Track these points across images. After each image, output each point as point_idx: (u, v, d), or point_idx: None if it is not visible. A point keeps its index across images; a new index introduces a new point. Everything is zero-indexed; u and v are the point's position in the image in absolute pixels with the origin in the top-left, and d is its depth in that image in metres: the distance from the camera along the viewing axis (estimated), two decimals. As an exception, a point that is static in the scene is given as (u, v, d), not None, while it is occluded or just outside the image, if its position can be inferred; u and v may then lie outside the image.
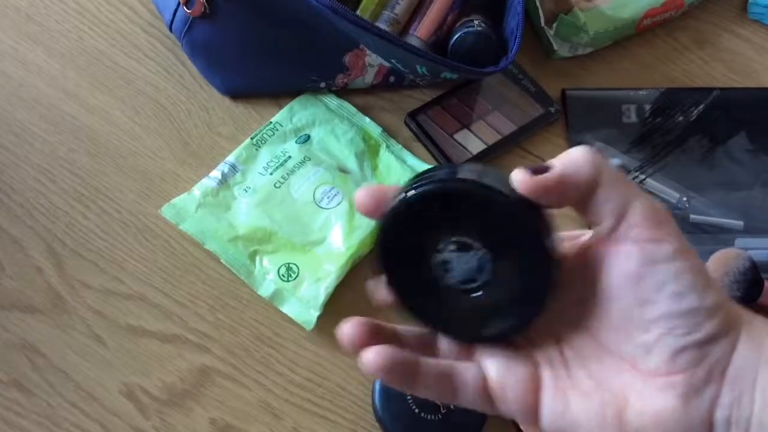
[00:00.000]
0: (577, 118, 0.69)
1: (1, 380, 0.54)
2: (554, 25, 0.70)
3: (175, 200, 0.60)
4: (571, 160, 0.30)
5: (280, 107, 0.67)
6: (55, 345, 0.55)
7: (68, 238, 0.59)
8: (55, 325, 0.56)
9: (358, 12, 0.63)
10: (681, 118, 0.69)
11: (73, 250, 0.58)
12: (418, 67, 0.61)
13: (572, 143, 0.68)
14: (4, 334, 0.55)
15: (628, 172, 0.66)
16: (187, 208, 0.60)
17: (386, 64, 0.64)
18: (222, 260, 0.58)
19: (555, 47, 0.71)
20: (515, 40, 0.59)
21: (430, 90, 0.70)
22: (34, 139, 0.63)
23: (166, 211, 0.59)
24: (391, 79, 0.67)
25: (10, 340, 0.55)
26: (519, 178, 0.30)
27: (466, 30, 0.62)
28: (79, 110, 0.64)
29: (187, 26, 0.63)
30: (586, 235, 0.34)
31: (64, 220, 0.59)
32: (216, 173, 0.62)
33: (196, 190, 0.61)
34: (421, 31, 0.63)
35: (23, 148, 0.62)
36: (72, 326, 0.56)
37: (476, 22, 0.62)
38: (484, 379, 0.32)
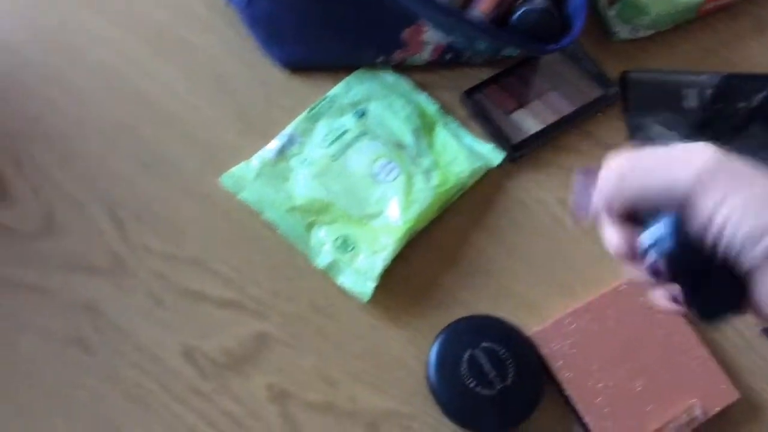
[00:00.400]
0: (637, 101, 0.68)
1: (63, 338, 0.55)
2: (616, 6, 0.70)
3: (234, 169, 0.61)
4: None
5: (337, 81, 0.67)
6: (116, 306, 0.56)
7: (131, 202, 0.60)
8: (117, 286, 0.57)
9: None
10: (743, 104, 0.68)
11: (134, 215, 0.59)
12: (479, 43, 0.61)
13: (631, 126, 0.67)
14: (67, 294, 0.56)
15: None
16: (245, 177, 0.60)
17: (444, 41, 0.64)
18: (279, 230, 0.59)
19: (615, 28, 0.70)
20: (579, 18, 0.58)
21: (486, 68, 0.69)
22: (99, 105, 0.64)
23: (225, 180, 0.60)
24: (448, 56, 0.67)
25: (72, 300, 0.56)
26: None
27: (529, 6, 0.61)
28: (141, 79, 0.65)
29: (249, -2, 0.63)
30: None
31: (127, 185, 0.60)
32: (274, 144, 0.62)
33: (255, 160, 0.61)
34: (483, 6, 0.63)
35: (86, 113, 0.63)
36: (133, 288, 0.57)
37: (540, -1, 0.61)
38: None
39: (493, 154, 0.64)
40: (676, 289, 0.37)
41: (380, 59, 0.66)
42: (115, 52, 0.66)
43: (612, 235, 0.39)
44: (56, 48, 0.66)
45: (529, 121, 0.66)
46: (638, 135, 0.67)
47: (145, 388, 0.54)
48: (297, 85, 0.67)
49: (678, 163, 0.34)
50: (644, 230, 0.37)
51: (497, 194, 0.64)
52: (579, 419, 0.54)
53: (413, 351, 0.57)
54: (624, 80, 0.69)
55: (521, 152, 0.65)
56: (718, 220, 0.32)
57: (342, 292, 0.58)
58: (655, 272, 0.37)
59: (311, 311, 0.57)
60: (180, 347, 0.55)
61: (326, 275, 0.58)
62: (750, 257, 0.32)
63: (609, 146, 0.66)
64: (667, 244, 0.36)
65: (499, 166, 0.64)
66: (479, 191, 0.64)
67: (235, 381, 0.55)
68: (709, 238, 0.33)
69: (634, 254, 0.38)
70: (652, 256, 0.36)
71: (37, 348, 0.54)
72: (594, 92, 0.68)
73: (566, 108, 0.67)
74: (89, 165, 0.61)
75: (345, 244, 0.58)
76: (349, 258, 0.58)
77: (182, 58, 0.66)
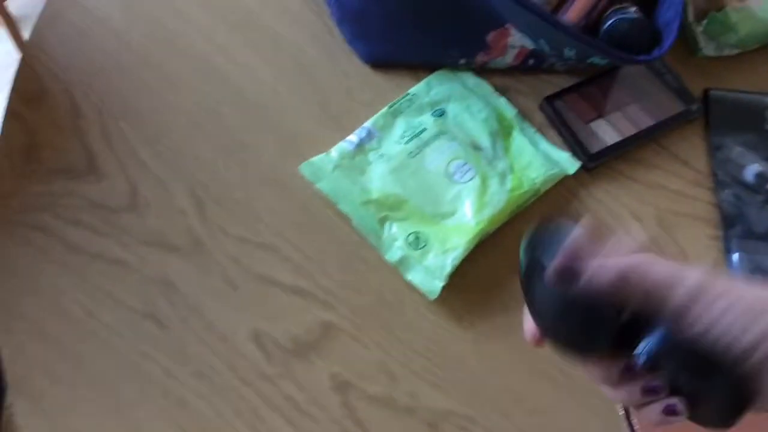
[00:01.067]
0: (718, 120, 0.67)
1: (138, 312, 0.56)
2: (704, 22, 0.69)
3: (314, 159, 0.62)
4: None
5: (418, 80, 0.67)
6: (191, 284, 0.57)
7: (211, 185, 0.61)
8: (193, 265, 0.58)
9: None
10: (827, 129, 0.66)
11: (214, 197, 0.61)
12: (566, 49, 0.60)
13: (712, 145, 0.66)
14: (145, 269, 0.58)
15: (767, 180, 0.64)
16: (324, 167, 0.61)
17: (529, 45, 0.64)
18: (353, 222, 0.60)
19: (701, 45, 0.69)
20: (671, 30, 0.58)
21: (567, 76, 0.69)
22: (187, 88, 0.65)
23: (305, 169, 0.61)
24: (530, 61, 0.67)
25: (149, 276, 0.58)
26: None
27: (621, 15, 0.61)
28: (228, 65, 0.67)
29: (340, -8, 0.64)
30: None
31: (209, 168, 0.62)
32: (353, 137, 0.63)
33: (334, 152, 0.62)
34: (572, 13, 0.63)
35: (174, 95, 0.65)
36: (208, 268, 0.58)
37: (632, 9, 0.61)
38: None
39: (568, 162, 0.64)
40: (674, 401, 0.36)
41: (462, 60, 0.66)
42: (205, 39, 0.68)
43: (594, 369, 0.38)
44: (151, 32, 0.68)
45: (607, 132, 0.66)
46: (718, 154, 0.66)
47: (213, 367, 0.55)
48: (378, 80, 0.68)
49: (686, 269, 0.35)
50: (636, 347, 0.35)
51: (570, 203, 0.64)
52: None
53: (476, 352, 0.57)
54: (706, 98, 0.68)
55: (597, 162, 0.64)
56: (719, 326, 0.33)
57: (410, 288, 0.58)
58: (653, 389, 0.36)
59: (378, 305, 0.58)
60: (249, 330, 0.56)
61: (396, 270, 0.59)
62: (752, 361, 0.32)
63: (686, 163, 0.65)
64: (668, 355, 0.34)
65: (574, 174, 0.64)
66: (552, 198, 0.64)
67: (299, 367, 0.56)
68: (708, 345, 0.33)
69: (624, 377, 0.37)
70: (644, 367, 0.35)
71: (115, 318, 0.56)
72: (675, 107, 0.67)
73: (645, 121, 0.66)
74: (175, 146, 0.63)
75: (416, 241, 0.59)
76: (419, 255, 0.58)
77: (269, 47, 0.68)
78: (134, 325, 0.56)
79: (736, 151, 0.66)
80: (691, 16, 0.69)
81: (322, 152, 0.62)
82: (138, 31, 0.68)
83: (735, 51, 0.70)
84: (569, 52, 0.61)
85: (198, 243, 0.59)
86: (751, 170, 0.65)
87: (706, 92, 0.69)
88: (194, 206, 0.60)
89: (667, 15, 0.60)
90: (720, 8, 0.68)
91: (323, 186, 0.60)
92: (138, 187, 0.61)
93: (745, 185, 0.65)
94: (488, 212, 0.59)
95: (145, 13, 0.68)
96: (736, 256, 0.61)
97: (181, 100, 0.65)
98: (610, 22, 0.62)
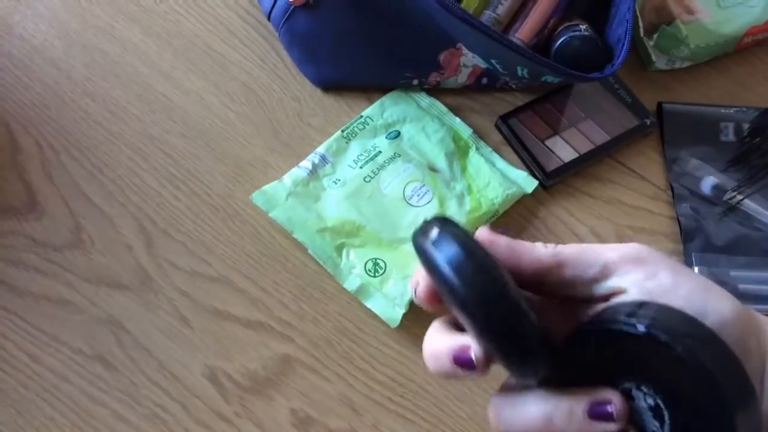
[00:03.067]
0: (673, 133, 0.67)
1: (86, 354, 0.54)
2: (654, 36, 0.69)
3: (266, 187, 0.60)
4: None
5: (371, 102, 0.66)
6: (140, 323, 0.55)
7: (159, 217, 0.59)
8: (142, 302, 0.56)
9: (459, 10, 0.62)
10: (781, 140, 0.67)
11: (162, 230, 0.58)
12: (519, 68, 0.60)
13: (668, 158, 0.66)
14: (92, 309, 0.55)
15: (725, 191, 0.64)
16: (277, 196, 0.59)
17: (482, 65, 0.63)
18: (309, 251, 0.58)
19: (653, 58, 0.69)
20: (622, 47, 0.57)
21: (521, 94, 0.69)
22: (129, 117, 0.63)
23: (257, 198, 0.59)
24: (484, 80, 0.66)
25: (97, 315, 0.55)
26: None
27: (572, 33, 0.61)
28: (173, 92, 0.64)
29: (287, 15, 0.63)
30: None
31: (156, 200, 0.59)
32: (306, 163, 0.61)
33: (287, 179, 0.60)
34: (523, 32, 0.62)
35: (118, 125, 0.63)
36: (158, 305, 0.56)
37: (582, 26, 0.61)
38: None
39: (526, 182, 0.63)
40: None
41: (415, 81, 0.65)
42: (149, 65, 0.65)
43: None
44: (92, 61, 0.65)
45: (563, 149, 0.65)
46: (674, 167, 0.66)
47: (167, 409, 0.53)
48: (330, 103, 0.66)
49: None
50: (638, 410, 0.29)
51: (529, 222, 0.63)
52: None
53: (439, 379, 0.56)
54: (660, 111, 0.68)
55: (554, 180, 0.64)
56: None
57: (370, 316, 0.57)
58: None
59: (338, 335, 0.56)
60: (203, 368, 0.54)
61: (355, 299, 0.57)
62: None
63: (642, 177, 0.65)
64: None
65: (532, 193, 0.63)
66: (511, 218, 0.63)
67: (258, 404, 0.53)
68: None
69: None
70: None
71: (61, 362, 0.53)
72: (629, 122, 0.67)
73: (601, 137, 0.66)
74: (119, 178, 0.60)
75: (375, 268, 0.57)
76: (378, 282, 0.57)
77: (216, 72, 0.66)
78: (82, 368, 0.53)
79: (692, 163, 0.66)
80: (641, 31, 0.69)
81: (274, 179, 0.61)
82: (78, 59, 0.65)
83: (686, 63, 0.71)
84: (522, 71, 0.60)
85: (146, 279, 0.56)
86: (708, 182, 0.65)
87: (659, 106, 0.69)
88: (142, 240, 0.58)
89: (618, 31, 0.59)
90: (670, 22, 0.68)
91: (277, 215, 0.58)
92: (82, 223, 0.58)
93: (703, 197, 0.65)
94: (447, 235, 0.58)
95: (85, 41, 0.66)
96: (696, 270, 0.61)
97: (124, 130, 0.62)
98: (561, 40, 0.61)
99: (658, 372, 0.28)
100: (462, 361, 0.29)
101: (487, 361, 0.29)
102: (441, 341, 0.31)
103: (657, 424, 0.28)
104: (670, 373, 0.27)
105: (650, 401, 0.28)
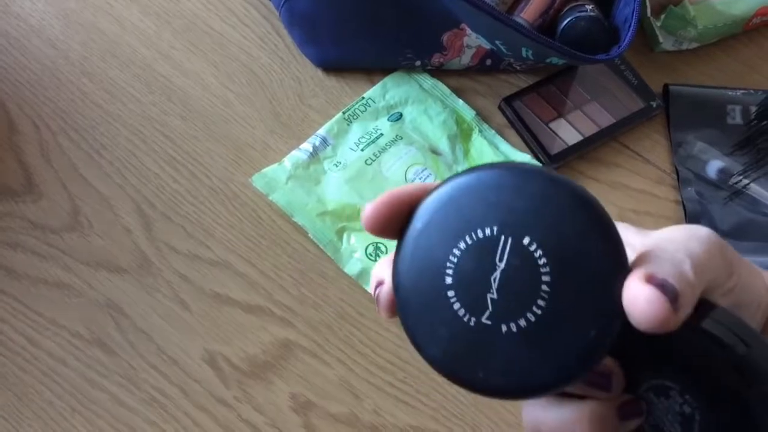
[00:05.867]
0: (679, 116, 0.66)
1: (84, 338, 0.53)
2: (662, 16, 0.68)
3: (266, 170, 0.59)
4: None
5: (373, 83, 0.65)
6: (139, 306, 0.55)
7: (157, 200, 0.58)
8: (141, 286, 0.55)
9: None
10: (789, 123, 0.66)
11: (161, 213, 0.58)
12: (523, 50, 0.59)
13: (673, 141, 0.65)
14: (90, 292, 0.55)
15: (731, 175, 0.63)
16: (277, 178, 0.59)
17: (486, 46, 0.62)
18: (309, 234, 0.57)
19: (660, 39, 0.68)
20: (629, 28, 0.56)
21: (525, 75, 0.67)
22: (127, 98, 0.62)
23: (257, 181, 0.58)
24: (488, 62, 0.65)
25: (95, 299, 0.55)
26: None
27: (578, 14, 0.59)
28: (172, 72, 0.64)
29: (288, -6, 0.62)
30: None
31: (155, 182, 0.59)
32: (307, 145, 0.60)
33: (287, 162, 0.60)
34: (528, 12, 0.61)
35: (116, 106, 0.62)
36: (157, 289, 0.55)
37: (588, 7, 0.59)
38: None
39: (529, 165, 0.62)
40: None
41: (418, 62, 0.64)
42: (147, 45, 0.64)
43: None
44: (90, 41, 0.64)
45: (567, 132, 0.64)
46: (680, 151, 0.65)
47: (166, 393, 0.52)
48: (331, 85, 0.65)
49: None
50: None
51: (532, 206, 0.62)
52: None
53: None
54: (666, 93, 0.67)
55: (559, 163, 0.63)
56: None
57: (371, 301, 0.56)
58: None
59: (338, 319, 0.56)
60: (202, 352, 0.54)
61: (356, 283, 0.56)
62: None
63: (648, 161, 0.64)
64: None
65: (536, 177, 0.62)
66: (514, 202, 0.62)
67: (257, 389, 0.53)
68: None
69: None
70: None
71: (60, 346, 0.53)
72: (635, 104, 0.66)
73: (606, 119, 0.65)
74: (118, 160, 0.59)
75: (376, 252, 0.56)
76: (379, 267, 0.56)
77: (215, 53, 0.65)
78: (80, 352, 0.53)
79: (697, 147, 0.65)
80: (648, 11, 0.68)
81: (274, 162, 0.60)
82: (76, 39, 0.64)
83: (694, 45, 0.69)
84: (527, 53, 0.59)
85: (145, 262, 0.56)
86: (714, 166, 0.64)
87: (665, 88, 0.68)
88: (140, 223, 0.57)
89: (625, 12, 0.58)
90: (678, 2, 0.67)
91: (277, 198, 0.58)
92: (80, 205, 0.57)
93: (708, 181, 0.64)
94: (449, 219, 0.57)
95: (83, 20, 0.65)
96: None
97: (123, 111, 0.62)
98: (566, 21, 0.60)
99: (705, 374, 0.26)
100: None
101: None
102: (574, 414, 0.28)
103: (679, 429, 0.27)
104: (718, 375, 0.25)
105: (686, 409, 0.26)
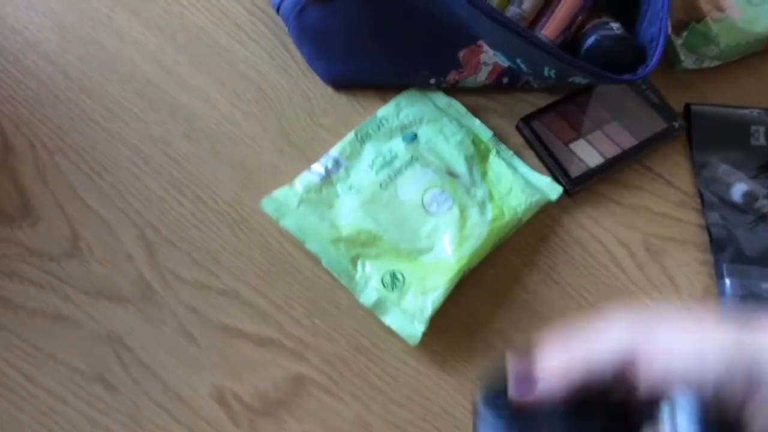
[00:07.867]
0: (702, 137, 0.64)
1: (84, 373, 0.50)
2: (683, 34, 0.66)
3: (276, 193, 0.56)
4: None
5: (385, 101, 0.62)
6: (143, 339, 0.51)
7: (162, 224, 0.55)
8: (145, 317, 0.52)
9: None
10: (814, 144, 0.64)
11: (166, 238, 0.55)
12: (546, 69, 0.56)
13: (696, 163, 0.63)
14: (90, 323, 0.51)
15: (756, 198, 0.61)
16: (288, 203, 0.56)
17: (503, 63, 0.60)
18: (322, 262, 0.54)
19: (681, 57, 0.66)
20: (656, 47, 0.54)
21: (542, 94, 0.65)
22: (129, 116, 0.59)
23: (267, 205, 0.55)
24: (505, 80, 0.63)
25: (95, 331, 0.51)
26: None
27: (603, 33, 0.57)
28: (177, 89, 0.60)
29: (298, 9, 0.59)
30: None
31: (158, 206, 0.56)
32: (319, 167, 0.58)
33: (298, 184, 0.57)
34: (549, 29, 0.59)
35: (117, 124, 0.59)
36: (162, 320, 0.52)
37: (615, 25, 0.57)
38: None
39: (550, 188, 0.60)
40: None
41: (432, 80, 0.62)
42: (151, 61, 0.61)
43: None
44: (90, 56, 0.61)
45: (588, 153, 0.62)
46: (703, 173, 0.62)
47: (172, 432, 0.49)
48: (342, 103, 0.62)
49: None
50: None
51: (552, 231, 0.60)
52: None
53: (460, 399, 0.52)
54: (688, 113, 0.65)
55: (580, 186, 0.60)
56: None
57: (387, 332, 0.53)
58: None
59: (353, 352, 0.53)
60: (210, 388, 0.51)
61: (371, 314, 0.53)
62: None
63: (671, 183, 0.62)
64: None
65: (556, 199, 0.60)
66: (533, 227, 0.59)
67: (268, 427, 0.50)
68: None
69: None
70: None
71: (58, 382, 0.50)
72: (657, 125, 0.64)
73: (627, 140, 0.63)
74: (119, 182, 0.56)
75: (393, 281, 0.54)
76: (396, 296, 0.53)
77: (222, 69, 0.62)
78: (80, 389, 0.50)
79: (721, 169, 0.63)
80: (669, 29, 0.65)
81: (283, 183, 0.57)
82: (75, 54, 0.61)
83: (715, 63, 0.67)
84: (549, 72, 0.56)
85: (149, 291, 0.53)
86: (738, 189, 0.62)
87: (687, 107, 0.65)
88: (143, 249, 0.54)
89: (650, 31, 0.56)
90: (700, 19, 0.65)
91: (288, 223, 0.55)
92: (79, 230, 0.54)
93: (733, 205, 0.61)
94: (469, 246, 0.55)
95: (82, 34, 0.62)
96: (727, 283, 0.58)
97: (124, 129, 0.58)
98: (591, 39, 0.58)
99: None
100: None
101: None
102: None
103: None
104: None
105: None
